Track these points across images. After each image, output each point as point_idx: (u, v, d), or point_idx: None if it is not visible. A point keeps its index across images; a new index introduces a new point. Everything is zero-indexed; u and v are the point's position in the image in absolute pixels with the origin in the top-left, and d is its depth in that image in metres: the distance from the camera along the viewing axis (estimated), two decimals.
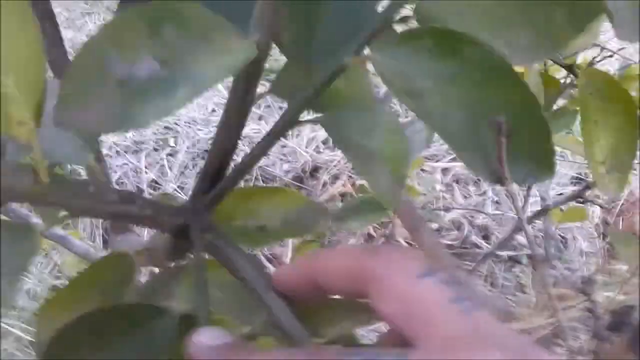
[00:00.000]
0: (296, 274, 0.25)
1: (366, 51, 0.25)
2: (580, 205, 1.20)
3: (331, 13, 0.26)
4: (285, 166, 1.74)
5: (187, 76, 0.21)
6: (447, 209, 1.64)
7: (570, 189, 1.99)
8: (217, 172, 0.30)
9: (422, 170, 1.74)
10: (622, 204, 1.94)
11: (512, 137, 0.24)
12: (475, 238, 1.90)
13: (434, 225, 1.85)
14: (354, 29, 0.25)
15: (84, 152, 0.30)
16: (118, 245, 0.64)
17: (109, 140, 1.84)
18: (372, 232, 1.55)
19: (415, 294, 0.22)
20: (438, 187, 1.67)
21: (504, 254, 1.79)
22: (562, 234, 1.85)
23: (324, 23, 0.26)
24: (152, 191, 1.73)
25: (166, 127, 1.92)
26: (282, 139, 1.14)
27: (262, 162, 1.69)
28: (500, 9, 0.24)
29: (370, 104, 0.28)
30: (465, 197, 1.84)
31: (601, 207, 0.77)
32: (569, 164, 1.98)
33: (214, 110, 1.98)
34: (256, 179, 1.67)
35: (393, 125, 0.28)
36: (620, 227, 1.82)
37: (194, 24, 0.22)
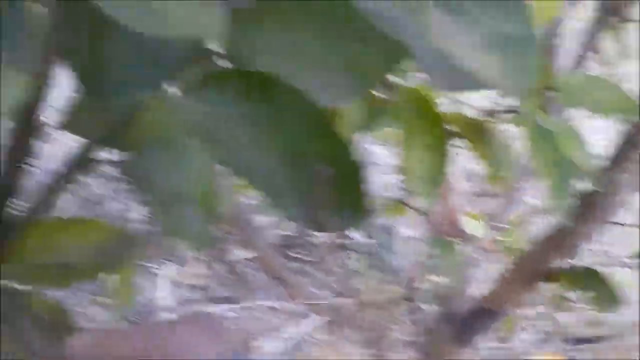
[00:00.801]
0: (92, 351, 0.22)
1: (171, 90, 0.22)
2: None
3: (127, 42, 0.22)
4: None
5: None
6: None
7: (395, 177, 2.10)
8: None
9: None
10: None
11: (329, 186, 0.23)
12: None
13: (269, 219, 1.85)
14: (153, 64, 0.22)
15: None
16: None
17: None
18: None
19: None
20: None
21: (337, 242, 1.84)
22: (386, 224, 1.95)
23: (117, 52, 0.22)
24: None
25: None
26: None
27: None
28: (313, 50, 0.22)
29: (179, 142, 0.26)
30: None
31: (417, 211, 0.81)
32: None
33: None
34: None
35: (202, 163, 0.25)
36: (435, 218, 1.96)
37: None
